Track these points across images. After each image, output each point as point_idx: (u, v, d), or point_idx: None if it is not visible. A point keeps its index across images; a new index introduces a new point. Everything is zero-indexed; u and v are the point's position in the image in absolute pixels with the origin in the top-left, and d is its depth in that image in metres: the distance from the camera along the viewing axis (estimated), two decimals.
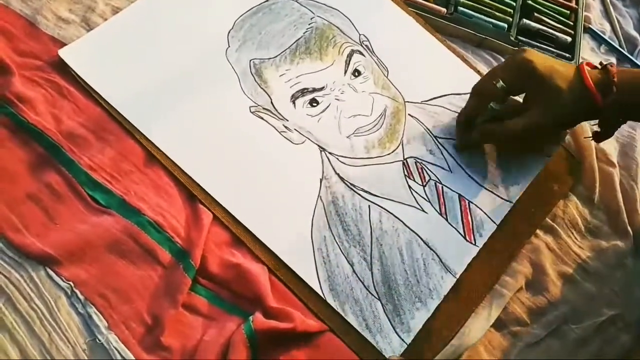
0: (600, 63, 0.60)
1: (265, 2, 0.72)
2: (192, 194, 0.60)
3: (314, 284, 0.57)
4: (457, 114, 0.70)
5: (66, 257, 0.54)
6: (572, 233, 0.67)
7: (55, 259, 0.54)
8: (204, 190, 0.60)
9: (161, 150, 0.61)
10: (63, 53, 0.64)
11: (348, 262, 0.59)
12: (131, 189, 0.59)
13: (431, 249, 0.61)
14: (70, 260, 0.54)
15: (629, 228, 0.68)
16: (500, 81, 0.61)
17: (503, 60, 0.78)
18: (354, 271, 0.59)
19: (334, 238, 0.60)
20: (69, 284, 0.53)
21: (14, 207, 0.56)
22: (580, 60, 0.80)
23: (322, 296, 0.57)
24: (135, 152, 0.61)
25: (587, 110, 0.60)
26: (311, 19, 0.72)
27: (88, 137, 0.61)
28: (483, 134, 0.65)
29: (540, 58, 0.60)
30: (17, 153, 0.58)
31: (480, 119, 0.65)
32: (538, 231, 0.66)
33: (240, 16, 0.71)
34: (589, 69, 0.60)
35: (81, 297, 0.53)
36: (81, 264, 0.54)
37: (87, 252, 0.55)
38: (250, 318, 0.54)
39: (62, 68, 0.64)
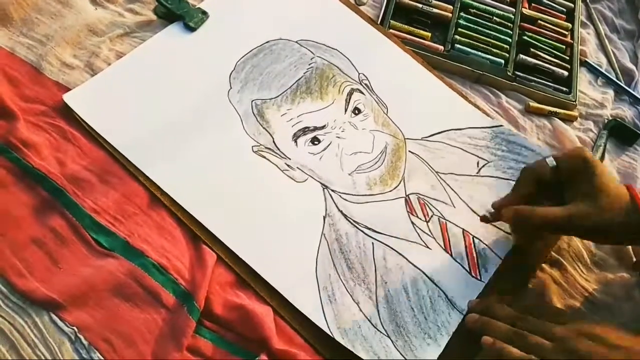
0: None
1: (265, 43, 0.74)
2: (196, 235, 0.60)
3: (321, 323, 0.57)
4: (457, 149, 0.70)
5: (70, 302, 0.54)
6: (578, 266, 0.67)
7: (59, 304, 0.53)
8: (207, 230, 0.60)
9: (165, 192, 0.62)
10: (67, 98, 0.65)
11: (354, 300, 0.59)
12: (135, 232, 0.59)
13: (437, 285, 0.61)
14: (75, 305, 0.54)
15: (634, 259, 0.68)
16: (552, 159, 0.59)
17: (501, 94, 0.79)
18: (360, 309, 0.58)
19: (339, 276, 0.60)
20: (72, 329, 0.53)
21: (18, 252, 0.56)
22: (578, 94, 0.81)
23: (330, 334, 0.56)
24: (139, 195, 0.61)
25: (629, 225, 0.56)
26: (311, 59, 0.73)
27: (92, 180, 0.61)
28: (514, 214, 0.60)
29: (597, 159, 0.58)
30: (21, 198, 0.58)
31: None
32: (544, 265, 0.65)
33: (242, 58, 0.72)
34: None
35: (85, 342, 0.52)
36: (85, 308, 0.54)
37: (91, 296, 0.54)
38: None
39: (67, 113, 0.65)
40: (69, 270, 0.56)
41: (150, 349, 0.53)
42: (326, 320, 0.57)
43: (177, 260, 0.58)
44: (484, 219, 0.64)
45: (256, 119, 0.68)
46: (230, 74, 0.71)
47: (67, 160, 0.62)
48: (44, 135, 0.63)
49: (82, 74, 0.68)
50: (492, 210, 0.63)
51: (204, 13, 0.75)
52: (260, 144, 0.67)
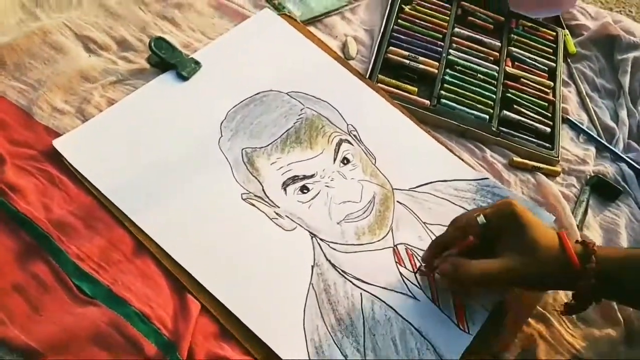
0: (578, 240, 0.61)
1: (256, 94, 0.75)
2: (181, 284, 0.59)
3: None
4: (443, 200, 0.71)
5: (50, 351, 0.52)
6: (564, 321, 0.67)
7: (39, 353, 0.51)
8: (193, 279, 0.59)
9: (151, 239, 0.61)
10: (57, 143, 0.65)
11: (341, 353, 0.58)
12: (119, 279, 0.58)
13: (425, 338, 0.60)
14: (54, 354, 0.52)
15: (619, 316, 0.68)
16: (482, 215, 0.60)
17: (486, 149, 0.81)
18: None
19: (327, 328, 0.59)
20: None
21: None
22: (561, 150, 0.83)
23: None
24: (124, 241, 0.61)
25: (561, 275, 0.58)
26: (301, 110, 0.74)
27: (77, 226, 0.60)
28: (452, 268, 0.59)
29: (527, 211, 0.60)
30: (5, 242, 0.57)
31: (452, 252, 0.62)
32: (530, 320, 0.65)
33: (233, 107, 0.73)
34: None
35: None
36: (65, 358, 0.52)
37: (71, 345, 0.53)
38: None
39: (55, 157, 0.64)
40: (50, 318, 0.54)
41: None
42: None
43: (161, 309, 0.57)
44: (420, 272, 0.64)
45: (246, 167, 0.68)
46: (222, 122, 0.71)
47: (53, 205, 0.61)
48: (30, 180, 0.62)
49: (73, 120, 0.68)
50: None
51: (197, 63, 0.76)
52: (250, 192, 0.67)
